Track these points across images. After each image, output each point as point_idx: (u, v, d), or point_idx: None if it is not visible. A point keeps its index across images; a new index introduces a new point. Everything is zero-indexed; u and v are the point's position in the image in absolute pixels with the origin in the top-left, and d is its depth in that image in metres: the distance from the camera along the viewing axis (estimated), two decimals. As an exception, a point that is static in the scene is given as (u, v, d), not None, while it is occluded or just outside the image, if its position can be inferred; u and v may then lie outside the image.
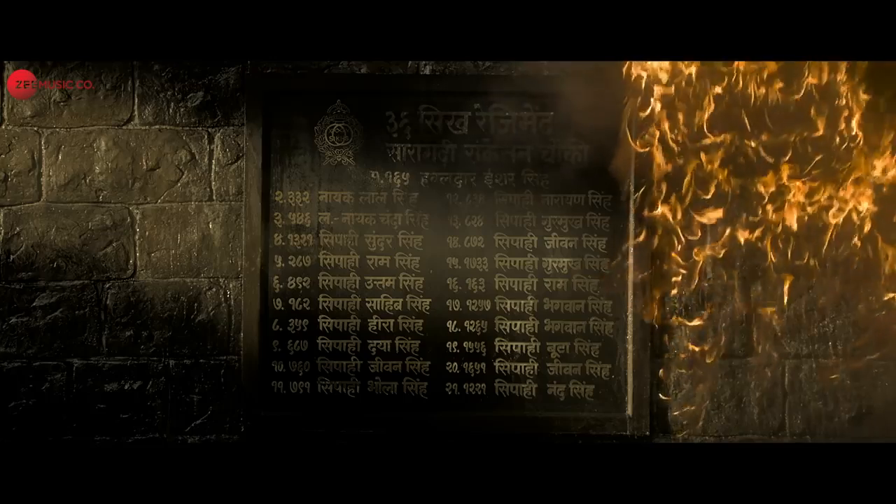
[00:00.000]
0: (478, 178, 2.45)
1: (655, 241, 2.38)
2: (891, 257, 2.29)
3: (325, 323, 2.46)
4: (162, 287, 2.45)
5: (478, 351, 2.45)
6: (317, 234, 2.46)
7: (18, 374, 2.43)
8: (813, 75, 2.12)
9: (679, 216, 2.34)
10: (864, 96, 2.10)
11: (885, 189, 2.21)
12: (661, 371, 2.44)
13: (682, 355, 2.44)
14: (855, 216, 2.23)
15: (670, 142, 2.26)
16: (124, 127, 2.45)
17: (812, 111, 2.17)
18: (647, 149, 2.30)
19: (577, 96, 2.40)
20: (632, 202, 2.41)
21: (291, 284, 2.45)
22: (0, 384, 2.42)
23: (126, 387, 2.44)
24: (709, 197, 2.32)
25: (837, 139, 2.18)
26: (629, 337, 2.43)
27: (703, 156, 2.26)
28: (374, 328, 2.45)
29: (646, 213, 2.38)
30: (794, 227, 2.31)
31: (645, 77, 2.20)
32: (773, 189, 2.29)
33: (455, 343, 2.45)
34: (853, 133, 2.14)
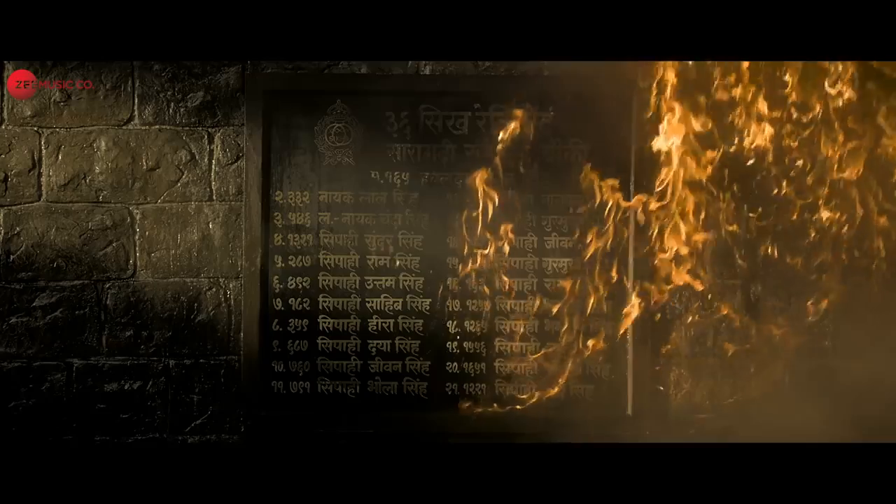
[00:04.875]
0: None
1: (656, 241, 2.38)
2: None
3: (325, 323, 2.46)
4: (162, 287, 2.45)
5: (478, 351, 2.45)
6: (317, 234, 2.46)
7: (18, 374, 2.43)
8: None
9: (679, 216, 2.33)
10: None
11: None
12: (661, 371, 2.44)
13: (683, 355, 2.44)
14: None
15: (672, 142, 2.25)
16: (124, 127, 2.45)
17: (831, 113, 2.16)
18: (648, 149, 2.30)
19: (578, 96, 2.41)
20: (632, 200, 2.40)
21: (291, 284, 2.45)
22: (0, 384, 2.42)
23: (126, 387, 2.44)
24: (710, 198, 2.31)
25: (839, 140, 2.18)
26: (629, 337, 2.43)
27: (705, 156, 2.25)
28: (374, 328, 2.45)
29: (646, 213, 2.37)
30: (796, 226, 2.31)
31: (648, 76, 2.19)
32: (775, 190, 2.30)
33: (455, 343, 2.45)
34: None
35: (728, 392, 2.43)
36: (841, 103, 2.10)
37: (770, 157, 2.27)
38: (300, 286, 2.45)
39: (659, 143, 2.21)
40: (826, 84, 2.09)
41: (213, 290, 2.45)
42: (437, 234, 2.44)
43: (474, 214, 2.38)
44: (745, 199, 2.37)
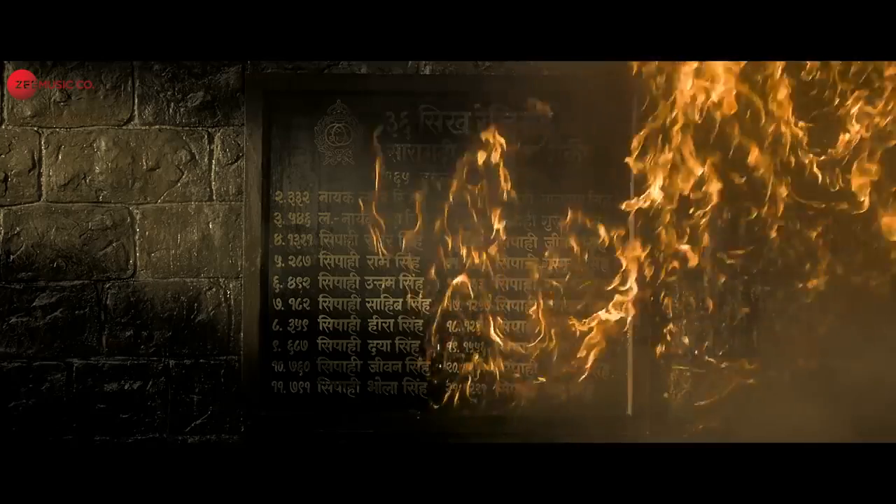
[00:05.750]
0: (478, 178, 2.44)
1: (655, 241, 2.38)
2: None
3: (325, 323, 2.46)
4: (162, 287, 2.45)
5: (478, 350, 2.45)
6: (317, 234, 2.46)
7: (18, 374, 2.43)
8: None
9: (679, 216, 2.33)
10: None
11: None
12: (661, 371, 2.44)
13: (683, 355, 2.44)
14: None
15: (672, 142, 2.25)
16: (124, 127, 2.45)
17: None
18: (648, 149, 2.30)
19: (577, 96, 2.41)
20: (632, 200, 2.40)
21: (291, 284, 2.45)
22: (0, 384, 2.42)
23: (126, 387, 2.44)
24: (710, 198, 2.31)
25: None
26: (629, 337, 2.43)
27: (706, 156, 2.25)
28: (374, 328, 2.45)
29: (646, 212, 2.37)
30: (797, 227, 2.31)
31: (648, 77, 2.19)
32: (774, 193, 2.29)
33: (455, 343, 2.45)
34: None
35: (727, 392, 2.43)
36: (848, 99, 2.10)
37: (772, 159, 2.27)
38: (300, 286, 2.45)
39: (659, 143, 2.21)
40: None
41: (213, 290, 2.45)
42: (436, 234, 2.44)
43: (475, 214, 2.39)
44: (746, 199, 2.37)
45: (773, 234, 2.37)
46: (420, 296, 2.45)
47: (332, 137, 2.46)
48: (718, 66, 2.08)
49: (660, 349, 2.43)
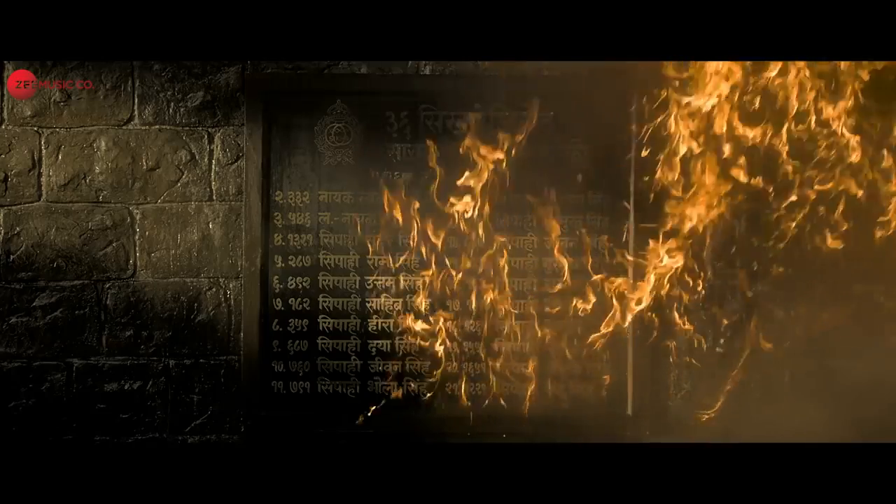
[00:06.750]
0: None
1: (655, 241, 2.38)
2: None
3: (325, 323, 2.46)
4: (162, 287, 2.45)
5: (477, 351, 2.45)
6: (317, 234, 2.46)
7: (18, 374, 2.43)
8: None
9: (679, 216, 2.33)
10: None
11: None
12: (661, 371, 2.43)
13: (683, 355, 2.44)
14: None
15: (671, 141, 2.25)
16: (124, 127, 2.45)
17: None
18: (648, 148, 2.30)
19: (577, 97, 2.41)
20: (632, 201, 2.41)
21: (291, 284, 2.45)
22: (0, 384, 2.42)
23: (126, 387, 2.44)
24: (711, 198, 2.31)
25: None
26: (629, 337, 2.43)
27: (706, 156, 2.25)
28: (374, 328, 2.45)
29: (645, 212, 2.38)
30: (798, 228, 2.31)
31: (648, 76, 2.19)
32: (777, 191, 2.29)
33: (455, 343, 2.45)
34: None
35: (727, 392, 2.43)
36: (857, 105, 2.10)
37: (774, 164, 2.26)
38: (300, 286, 2.45)
39: (659, 142, 2.21)
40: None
41: (213, 290, 2.45)
42: (436, 234, 2.43)
43: (474, 215, 2.38)
44: (748, 200, 2.36)
45: (774, 233, 2.37)
46: (420, 296, 2.45)
47: (332, 137, 2.46)
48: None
49: (660, 349, 2.43)
